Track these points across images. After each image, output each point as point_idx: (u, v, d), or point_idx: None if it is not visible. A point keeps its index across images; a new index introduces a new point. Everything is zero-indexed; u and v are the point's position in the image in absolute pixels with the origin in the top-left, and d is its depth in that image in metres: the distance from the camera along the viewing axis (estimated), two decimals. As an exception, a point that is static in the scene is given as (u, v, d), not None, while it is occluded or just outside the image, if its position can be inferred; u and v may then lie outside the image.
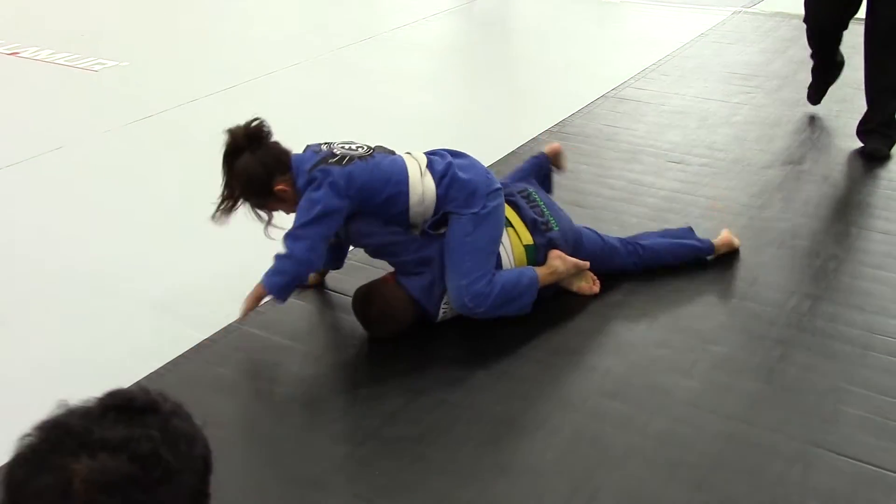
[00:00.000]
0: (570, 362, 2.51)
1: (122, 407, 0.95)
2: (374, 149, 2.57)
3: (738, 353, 2.50)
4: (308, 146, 2.57)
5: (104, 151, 4.02)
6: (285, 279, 2.50)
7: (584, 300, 2.74)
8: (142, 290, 2.89)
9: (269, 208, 2.55)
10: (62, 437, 0.91)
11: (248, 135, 2.49)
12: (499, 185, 2.63)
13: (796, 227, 3.18)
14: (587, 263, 2.73)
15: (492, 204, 2.56)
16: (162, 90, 4.74)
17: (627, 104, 4.44)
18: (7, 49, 5.49)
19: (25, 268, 3.03)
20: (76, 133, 4.18)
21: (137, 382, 2.39)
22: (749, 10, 6.18)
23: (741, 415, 2.25)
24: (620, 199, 3.42)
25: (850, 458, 2.09)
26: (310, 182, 2.45)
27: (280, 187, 2.48)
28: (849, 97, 4.45)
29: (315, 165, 2.46)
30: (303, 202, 2.46)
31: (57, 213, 3.43)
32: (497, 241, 2.60)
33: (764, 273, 2.89)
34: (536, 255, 2.68)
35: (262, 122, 2.51)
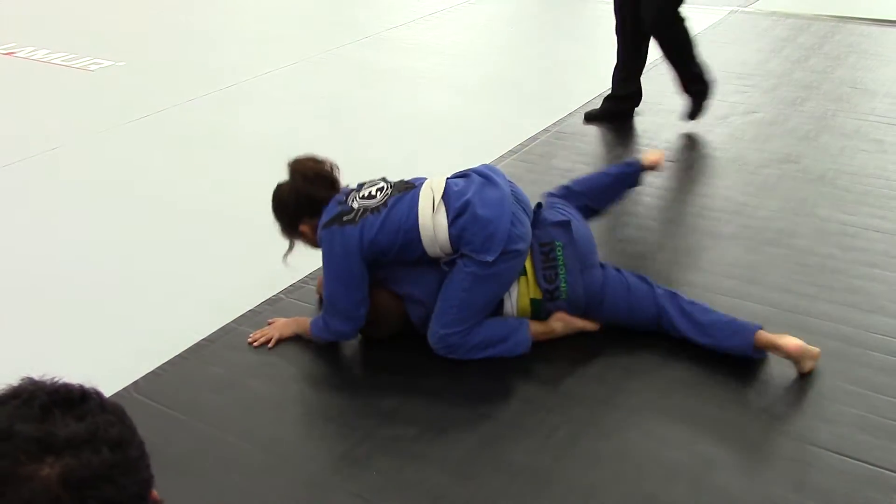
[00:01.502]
0: (568, 361, 2.50)
1: (62, 401, 0.93)
2: (391, 192, 2.47)
3: (735, 352, 2.50)
4: (339, 193, 2.52)
5: (101, 151, 4.01)
6: (328, 338, 2.56)
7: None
8: (139, 289, 2.88)
9: (293, 238, 2.59)
10: (18, 446, 0.88)
11: (308, 170, 2.52)
12: (518, 248, 2.42)
13: (793, 226, 3.19)
14: (595, 326, 2.55)
15: (504, 265, 2.41)
16: (159, 90, 4.74)
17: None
18: (3, 49, 5.48)
19: (20, 267, 3.02)
20: (73, 133, 4.17)
21: (135, 382, 2.39)
22: (745, 9, 6.19)
23: (738, 413, 2.25)
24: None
25: (849, 458, 2.09)
26: (323, 236, 2.47)
27: (304, 228, 2.54)
28: (845, 96, 4.46)
29: (329, 223, 2.44)
30: (324, 262, 2.48)
31: (53, 213, 3.42)
32: (496, 298, 2.49)
33: (761, 272, 2.89)
34: (541, 309, 2.55)
35: (329, 165, 2.55)
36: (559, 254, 2.51)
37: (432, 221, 2.39)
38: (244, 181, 3.65)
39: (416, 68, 5.12)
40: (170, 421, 2.25)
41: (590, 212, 2.84)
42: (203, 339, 2.59)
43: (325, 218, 2.45)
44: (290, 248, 2.61)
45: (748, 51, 5.28)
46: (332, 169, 2.56)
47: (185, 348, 2.54)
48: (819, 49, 5.25)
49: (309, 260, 2.70)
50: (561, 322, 2.54)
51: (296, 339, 2.59)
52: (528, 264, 2.52)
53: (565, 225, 2.56)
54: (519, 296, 2.53)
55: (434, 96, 4.62)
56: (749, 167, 3.69)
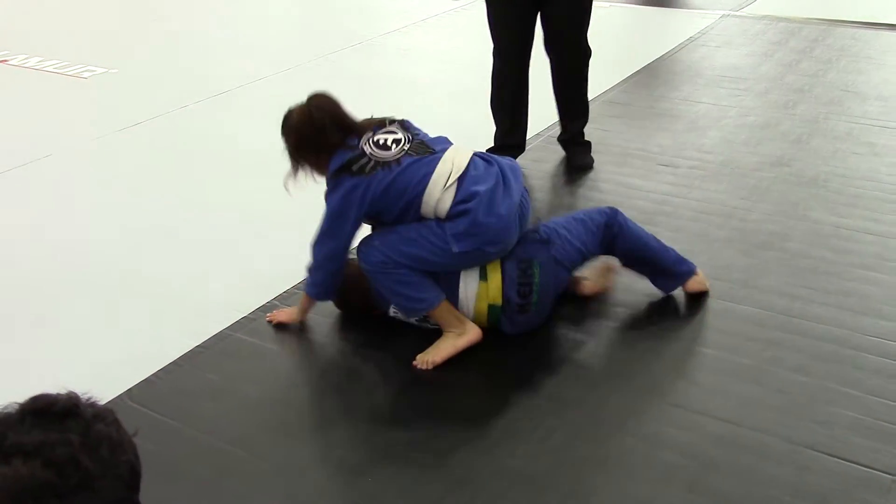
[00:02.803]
0: (563, 365, 2.51)
1: (40, 411, 0.93)
2: (407, 147, 2.46)
3: (729, 355, 2.51)
4: (358, 130, 2.49)
5: (94, 158, 4.01)
6: (318, 286, 2.58)
7: (577, 305, 2.74)
8: (134, 296, 2.88)
9: (296, 164, 2.54)
10: None
11: (324, 108, 2.49)
12: (489, 251, 2.45)
13: (786, 230, 3.20)
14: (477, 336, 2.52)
15: (463, 256, 2.43)
16: (152, 97, 4.73)
17: (617, 108, 4.46)
18: (-5, 56, 5.48)
19: (14, 274, 3.01)
20: (66, 140, 4.17)
21: (129, 390, 2.38)
22: (737, 13, 6.21)
23: (733, 417, 2.25)
24: (611, 202, 3.40)
25: (843, 460, 2.09)
26: (329, 184, 2.47)
27: (308, 160, 2.52)
28: (837, 99, 4.48)
29: (338, 171, 2.44)
30: (326, 207, 2.49)
31: (46, 220, 3.41)
32: (429, 264, 2.45)
33: (754, 275, 2.90)
34: (498, 316, 2.54)
35: (348, 113, 2.51)
36: (535, 272, 2.52)
37: (439, 195, 2.41)
38: (238, 188, 3.65)
39: (408, 73, 5.13)
40: (164, 428, 2.25)
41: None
42: (197, 346, 2.59)
43: (335, 164, 2.45)
44: (294, 172, 2.54)
45: (740, 54, 5.30)
46: (349, 116, 2.51)
47: (180, 355, 2.54)
48: (810, 52, 5.27)
49: (300, 270, 2.70)
50: (468, 338, 2.50)
51: (287, 347, 2.59)
52: (495, 272, 2.51)
53: (546, 244, 2.57)
54: (477, 298, 2.52)
55: (427, 101, 4.62)
56: (742, 170, 3.70)
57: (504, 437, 2.22)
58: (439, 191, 2.40)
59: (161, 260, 3.10)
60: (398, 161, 2.42)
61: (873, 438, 2.16)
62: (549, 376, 2.45)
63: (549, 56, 3.68)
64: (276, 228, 3.28)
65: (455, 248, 2.40)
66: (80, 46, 5.66)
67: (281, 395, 2.42)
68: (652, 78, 4.87)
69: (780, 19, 6.01)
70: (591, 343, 2.58)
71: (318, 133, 2.47)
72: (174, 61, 5.46)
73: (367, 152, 2.43)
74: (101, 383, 2.41)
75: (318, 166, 2.52)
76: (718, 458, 2.12)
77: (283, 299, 2.82)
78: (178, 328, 2.68)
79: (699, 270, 2.76)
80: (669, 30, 5.69)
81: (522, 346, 2.57)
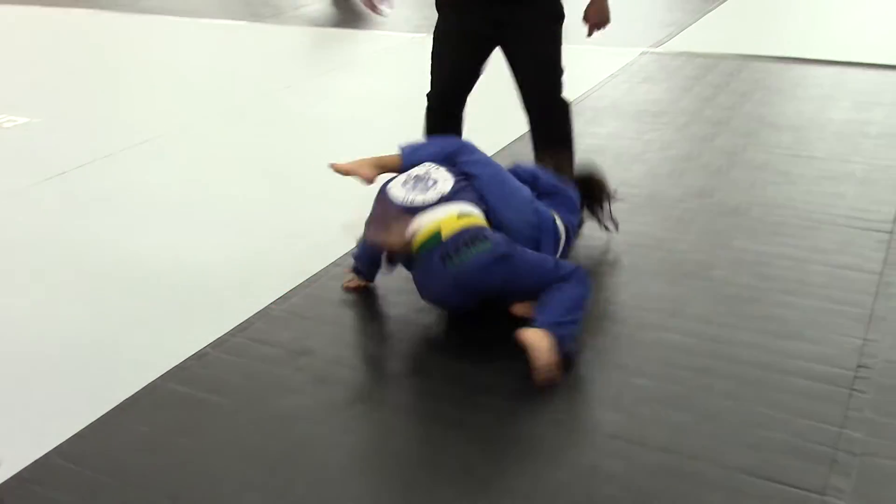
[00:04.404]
0: (493, 399, 2.51)
1: None
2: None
3: (661, 384, 2.55)
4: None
5: (15, 211, 3.91)
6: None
7: (507, 338, 2.76)
8: (59, 349, 2.80)
9: None
10: None
11: None
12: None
13: (711, 259, 3.28)
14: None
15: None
16: (76, 146, 4.65)
17: (544, 144, 4.53)
18: None
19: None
20: (-14, 192, 4.07)
21: (59, 446, 2.32)
22: (655, 50, 6.40)
23: (668, 445, 2.29)
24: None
25: (775, 482, 2.14)
26: None
27: None
28: (753, 131, 4.64)
29: None
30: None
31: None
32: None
33: (682, 304, 2.97)
34: (427, 249, 2.70)
35: None
36: (477, 248, 2.66)
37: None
38: (161, 237, 3.60)
39: (338, 115, 5.14)
40: (95, 486, 2.19)
41: None
42: (127, 398, 2.53)
43: None
44: None
45: (660, 90, 5.46)
46: None
47: (110, 408, 2.48)
48: (727, 86, 5.46)
49: (234, 315, 2.67)
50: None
51: (222, 395, 2.55)
52: (466, 220, 2.73)
53: (505, 257, 2.68)
54: (440, 219, 2.72)
55: (358, 142, 4.63)
56: (667, 202, 3.79)
57: (427, 472, 2.21)
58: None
59: (84, 312, 3.04)
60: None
61: (802, 459, 2.22)
62: (476, 410, 2.46)
63: (526, 113, 3.49)
64: (202, 274, 3.24)
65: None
66: (2, 96, 5.54)
67: (215, 446, 2.37)
68: (576, 115, 4.92)
69: (697, 55, 6.21)
70: (523, 377, 2.59)
71: None
72: (98, 110, 5.38)
73: None
74: (29, 439, 2.35)
75: None
76: (655, 488, 2.15)
77: (216, 346, 2.78)
78: (106, 380, 2.62)
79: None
80: (591, 67, 5.82)
81: (450, 381, 2.58)
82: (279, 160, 4.43)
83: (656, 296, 3.03)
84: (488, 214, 2.85)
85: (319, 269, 3.25)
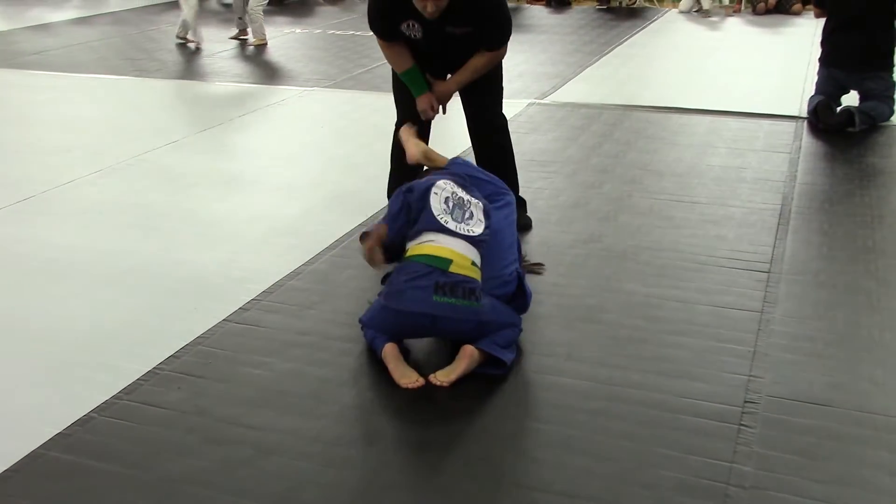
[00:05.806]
0: (396, 450, 2.49)
1: None
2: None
3: (560, 428, 2.58)
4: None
5: None
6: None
7: (408, 392, 2.75)
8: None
9: None
10: None
11: None
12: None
13: (602, 302, 3.36)
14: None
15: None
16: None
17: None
18: None
19: None
20: None
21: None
22: (541, 101, 6.58)
23: (568, 489, 2.31)
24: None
25: (671, 520, 2.18)
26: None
27: None
28: (637, 178, 4.80)
29: None
30: None
31: None
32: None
33: (576, 348, 3.02)
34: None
35: None
36: (462, 301, 2.85)
37: None
38: (43, 296, 3.45)
39: (226, 170, 5.08)
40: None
41: None
42: (6, 469, 2.39)
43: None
44: None
45: (547, 139, 5.60)
46: None
47: (-13, 482, 2.34)
48: (611, 135, 5.65)
49: (120, 377, 2.56)
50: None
51: (113, 460, 2.44)
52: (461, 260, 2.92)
53: (483, 324, 2.88)
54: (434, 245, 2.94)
55: (247, 198, 4.58)
56: (558, 249, 3.87)
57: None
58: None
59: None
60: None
61: (696, 496, 2.27)
62: (377, 463, 2.43)
63: (470, 137, 4.13)
64: (87, 335, 3.12)
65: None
66: None
67: (103, 514, 2.26)
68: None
69: (581, 105, 6.42)
70: (423, 426, 2.58)
71: None
72: (-28, 167, 5.16)
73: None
74: None
75: None
76: (556, 531, 2.15)
77: (101, 410, 2.66)
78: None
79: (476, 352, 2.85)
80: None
81: (349, 429, 2.54)
82: (165, 216, 4.33)
83: (551, 340, 3.08)
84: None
85: (212, 325, 3.17)
